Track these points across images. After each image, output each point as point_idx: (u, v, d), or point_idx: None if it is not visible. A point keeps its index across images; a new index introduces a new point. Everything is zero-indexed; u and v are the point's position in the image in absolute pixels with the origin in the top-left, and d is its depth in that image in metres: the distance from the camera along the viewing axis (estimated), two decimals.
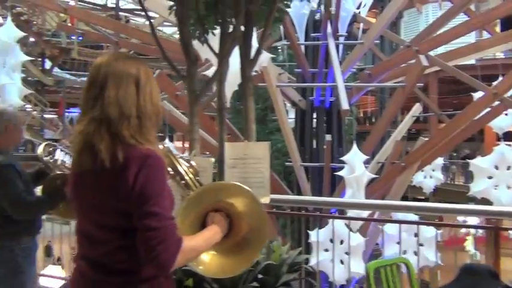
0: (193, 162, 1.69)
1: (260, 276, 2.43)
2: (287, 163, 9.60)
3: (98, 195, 1.44)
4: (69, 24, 12.35)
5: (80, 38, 14.87)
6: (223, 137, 2.77)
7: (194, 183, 1.65)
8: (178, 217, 1.49)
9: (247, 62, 2.63)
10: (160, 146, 1.58)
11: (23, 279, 2.77)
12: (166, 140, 8.08)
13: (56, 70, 14.29)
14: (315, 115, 9.39)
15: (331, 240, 5.71)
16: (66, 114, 15.57)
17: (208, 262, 1.57)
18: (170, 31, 16.94)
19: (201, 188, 1.61)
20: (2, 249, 2.71)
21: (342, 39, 8.77)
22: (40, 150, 2.83)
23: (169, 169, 1.64)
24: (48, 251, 9.93)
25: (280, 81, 8.46)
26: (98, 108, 1.44)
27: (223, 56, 2.72)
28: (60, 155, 2.87)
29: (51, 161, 2.82)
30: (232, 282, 2.38)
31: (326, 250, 6.12)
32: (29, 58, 8.02)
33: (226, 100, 3.16)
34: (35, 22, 12.61)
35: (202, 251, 1.52)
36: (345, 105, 6.64)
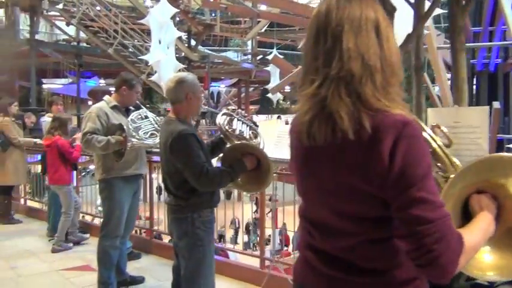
0: (444, 129, 1.29)
1: None
2: None
3: (338, 175, 1.13)
4: (212, 0, 12.69)
5: (220, 14, 15.26)
6: (421, 100, 2.36)
7: (449, 158, 1.26)
8: None
9: (459, 10, 2.16)
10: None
11: (203, 252, 2.68)
12: None
13: (199, 46, 14.92)
14: (474, 80, 8.35)
15: None
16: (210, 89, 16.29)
17: (482, 261, 1.21)
18: (306, 0, 16.58)
19: (469, 164, 1.21)
20: (185, 221, 2.65)
21: None
22: (219, 119, 2.71)
23: None
24: None
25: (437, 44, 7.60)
26: (335, 65, 1.11)
27: (422, 10, 2.28)
28: (237, 125, 2.74)
29: (229, 130, 2.69)
30: None
31: None
32: (182, 34, 8.32)
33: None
34: (181, 1, 13.20)
35: (479, 248, 1.15)
36: None
